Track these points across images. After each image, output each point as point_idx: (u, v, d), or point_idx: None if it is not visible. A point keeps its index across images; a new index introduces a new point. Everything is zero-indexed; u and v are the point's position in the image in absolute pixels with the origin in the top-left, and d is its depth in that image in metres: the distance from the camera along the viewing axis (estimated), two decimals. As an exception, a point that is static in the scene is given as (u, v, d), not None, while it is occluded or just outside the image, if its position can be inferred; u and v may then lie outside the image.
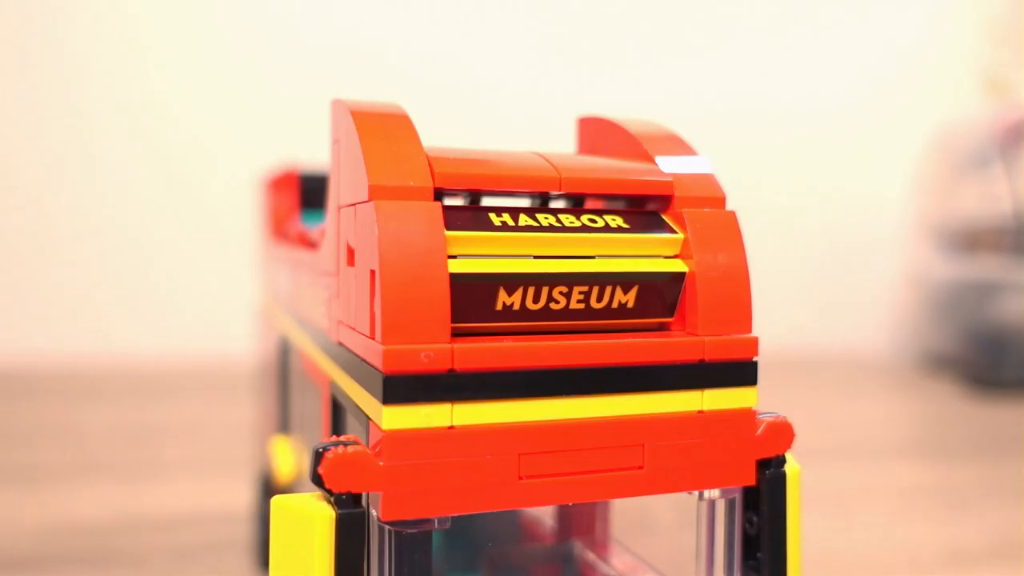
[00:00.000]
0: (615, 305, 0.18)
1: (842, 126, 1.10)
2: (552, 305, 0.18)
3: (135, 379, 0.79)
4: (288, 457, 0.31)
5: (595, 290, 0.18)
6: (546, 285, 0.17)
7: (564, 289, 0.18)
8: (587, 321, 0.18)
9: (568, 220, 0.18)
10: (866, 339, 1.09)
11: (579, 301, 0.18)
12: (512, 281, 0.17)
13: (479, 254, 0.17)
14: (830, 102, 1.10)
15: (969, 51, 1.13)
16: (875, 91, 1.12)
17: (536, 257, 0.17)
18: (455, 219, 0.17)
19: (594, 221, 0.18)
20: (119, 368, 0.83)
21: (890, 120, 1.12)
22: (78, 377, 0.79)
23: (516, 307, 0.17)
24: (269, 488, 0.34)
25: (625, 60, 1.03)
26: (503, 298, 0.17)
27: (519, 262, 0.17)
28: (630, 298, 0.18)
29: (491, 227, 0.17)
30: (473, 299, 0.17)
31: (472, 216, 0.17)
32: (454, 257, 0.17)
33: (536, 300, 0.17)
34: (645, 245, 0.18)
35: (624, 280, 0.18)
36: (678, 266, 0.18)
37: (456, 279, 0.17)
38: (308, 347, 0.25)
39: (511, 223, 0.17)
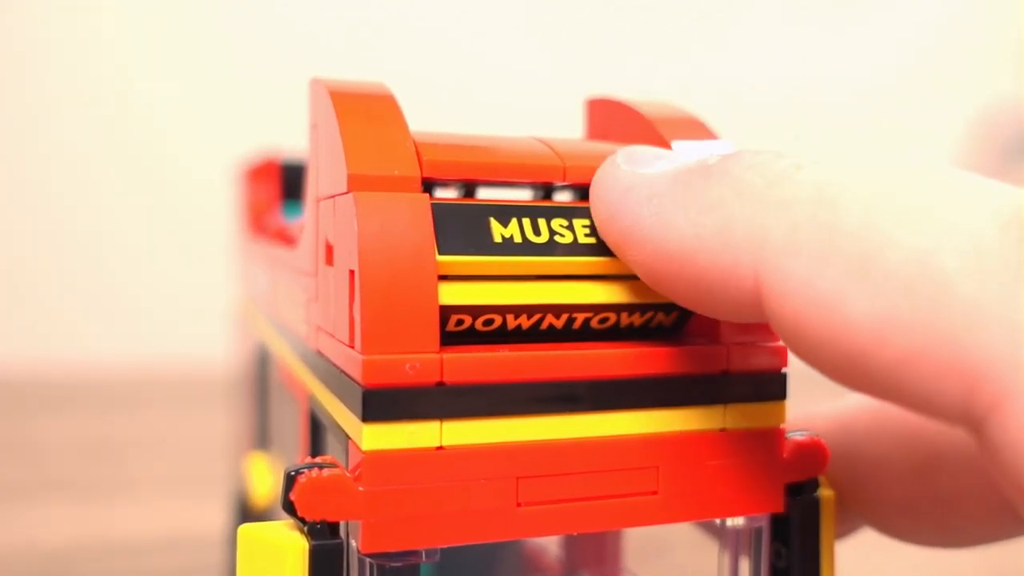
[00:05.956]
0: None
1: (876, 110, 1.10)
2: (557, 238, 0.17)
3: (97, 388, 0.79)
4: (266, 476, 0.31)
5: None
6: (543, 217, 0.17)
7: (564, 222, 0.17)
8: (602, 257, 0.18)
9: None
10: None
11: (587, 235, 0.17)
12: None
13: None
14: (863, 84, 1.10)
15: (1012, 29, 1.13)
16: (912, 73, 1.12)
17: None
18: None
19: None
20: (80, 376, 0.83)
21: (929, 103, 1.11)
22: (34, 386, 0.79)
23: (517, 239, 0.17)
24: (244, 510, 0.34)
25: (642, 36, 1.03)
26: (499, 230, 0.17)
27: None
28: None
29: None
30: (465, 231, 0.17)
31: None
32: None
33: (537, 233, 0.17)
34: None
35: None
36: None
37: (441, 209, 0.16)
38: (286, 355, 0.25)
39: (515, 238, 0.17)
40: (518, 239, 0.17)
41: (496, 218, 0.17)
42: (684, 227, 0.15)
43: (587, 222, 0.18)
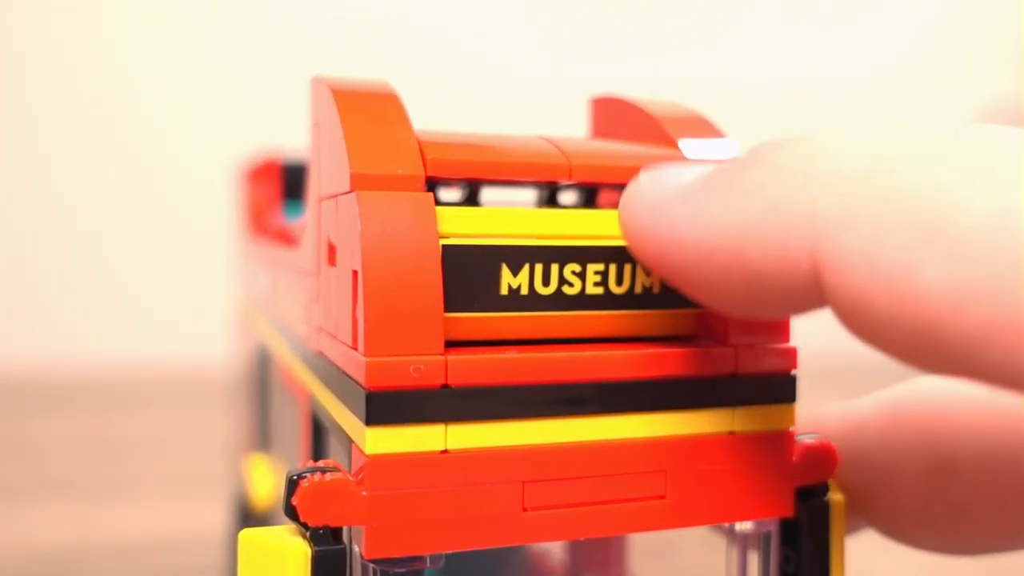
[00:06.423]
0: (638, 289, 0.17)
1: (876, 110, 1.10)
2: (566, 289, 0.17)
3: (97, 388, 0.79)
4: (266, 478, 0.31)
5: (612, 268, 0.17)
6: (556, 262, 0.17)
7: (577, 268, 0.17)
8: (608, 311, 0.17)
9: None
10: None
11: (596, 284, 0.17)
12: (517, 257, 0.17)
13: (477, 233, 0.16)
14: (863, 84, 1.10)
15: (1012, 29, 1.13)
16: (912, 73, 1.12)
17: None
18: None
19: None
20: (80, 376, 0.82)
21: (929, 103, 1.11)
22: (34, 386, 0.79)
23: (524, 291, 0.17)
24: (245, 512, 0.34)
25: (642, 36, 1.03)
26: (507, 279, 0.17)
27: (524, 237, 0.17)
28: (655, 281, 0.18)
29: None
30: (472, 281, 0.16)
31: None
32: (447, 237, 0.16)
33: (546, 283, 0.17)
34: None
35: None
36: None
37: (451, 255, 0.16)
38: (287, 356, 0.25)
39: (523, 289, 0.17)
40: (524, 291, 0.17)
41: (508, 264, 0.17)
42: (726, 219, 0.14)
43: (600, 267, 0.17)
